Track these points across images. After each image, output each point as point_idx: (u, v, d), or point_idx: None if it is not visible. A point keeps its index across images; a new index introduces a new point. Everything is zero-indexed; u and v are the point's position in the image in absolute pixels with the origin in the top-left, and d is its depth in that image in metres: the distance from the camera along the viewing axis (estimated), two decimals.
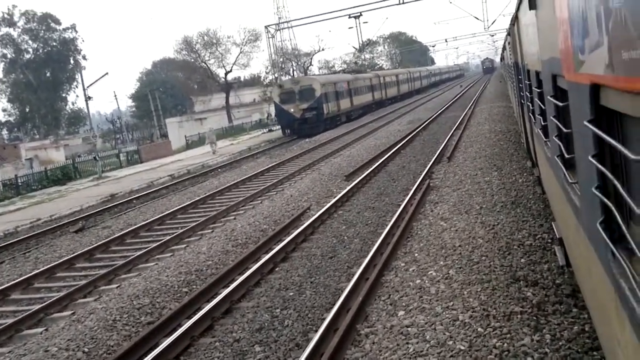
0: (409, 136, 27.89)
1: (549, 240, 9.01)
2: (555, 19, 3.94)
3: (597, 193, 2.80)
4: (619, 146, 2.32)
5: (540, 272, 7.93)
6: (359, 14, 44.93)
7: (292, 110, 39.95)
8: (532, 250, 8.83)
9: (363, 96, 50.91)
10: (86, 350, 7.86)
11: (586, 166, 3.15)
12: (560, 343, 6.01)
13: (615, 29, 2.20)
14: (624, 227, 2.42)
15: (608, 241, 2.70)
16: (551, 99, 4.73)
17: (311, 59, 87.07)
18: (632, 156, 2.15)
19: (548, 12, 4.51)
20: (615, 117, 2.69)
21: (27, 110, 73.01)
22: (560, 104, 4.25)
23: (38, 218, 19.61)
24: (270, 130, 49.26)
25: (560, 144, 4.54)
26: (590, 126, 2.79)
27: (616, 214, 2.51)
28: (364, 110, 51.16)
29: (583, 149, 3.26)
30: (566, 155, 4.30)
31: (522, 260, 8.46)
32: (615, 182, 2.42)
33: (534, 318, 6.61)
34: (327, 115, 41.35)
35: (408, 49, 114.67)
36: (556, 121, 4.58)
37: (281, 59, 60.94)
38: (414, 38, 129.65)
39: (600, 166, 2.73)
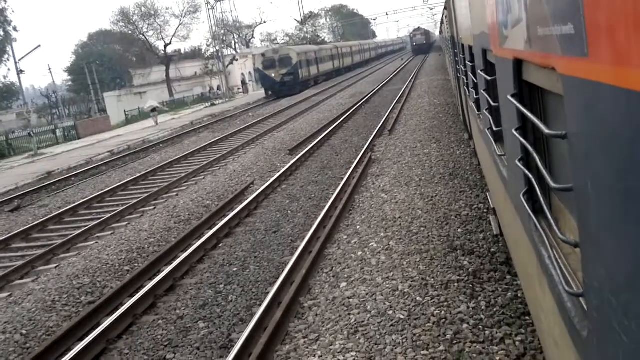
0: (352, 110, 28.04)
1: (485, 210, 9.33)
2: None
3: (520, 165, 2.93)
4: (536, 120, 2.42)
5: (476, 241, 8.22)
6: None
7: (273, 75, 47.87)
8: (468, 220, 9.13)
9: (327, 64, 60.25)
10: (24, 332, 7.70)
11: (511, 139, 3.27)
12: (495, 309, 6.29)
13: (532, 6, 2.28)
14: (542, 199, 2.55)
15: (530, 212, 2.83)
16: (481, 73, 4.87)
17: (253, 31, 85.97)
18: (546, 130, 2.25)
19: None
20: (537, 92, 2.80)
21: None
22: (489, 78, 4.39)
23: None
24: (212, 105, 48.54)
25: (490, 117, 4.70)
26: (513, 100, 2.90)
27: (536, 186, 2.63)
28: (327, 76, 60.15)
29: (509, 122, 3.38)
30: (495, 128, 4.45)
31: (459, 230, 8.74)
32: (535, 155, 2.53)
33: (470, 286, 6.87)
34: (301, 79, 49.38)
35: (350, 22, 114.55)
36: (486, 95, 4.73)
37: (222, 31, 59.83)
38: (355, 11, 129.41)
39: (522, 139, 2.84)
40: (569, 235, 2.36)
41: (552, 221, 2.34)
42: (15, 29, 72.08)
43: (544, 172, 2.32)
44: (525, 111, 2.64)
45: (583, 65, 1.65)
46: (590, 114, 1.65)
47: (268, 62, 48.80)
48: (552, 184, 2.18)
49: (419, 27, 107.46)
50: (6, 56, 69.05)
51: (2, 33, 69.86)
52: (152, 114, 37.53)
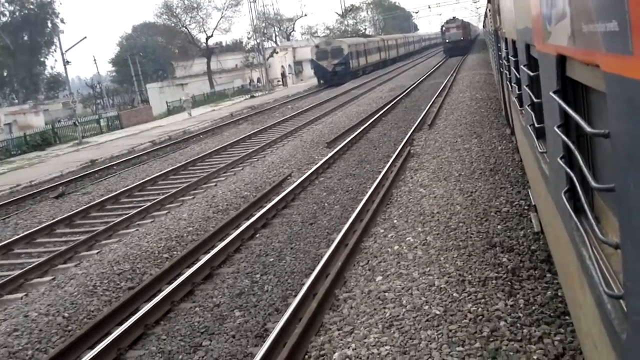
0: (391, 103, 27.87)
1: (526, 207, 9.16)
2: None
3: (562, 163, 2.86)
4: (578, 118, 2.36)
5: (516, 238, 8.08)
6: None
7: (325, 65, 52.09)
8: (508, 216, 8.98)
9: (374, 55, 63.86)
10: (66, 315, 7.90)
11: (553, 136, 3.20)
12: (534, 307, 6.16)
13: (576, 1, 2.22)
14: (583, 199, 2.48)
15: (571, 211, 2.76)
16: (524, 68, 4.77)
17: (294, 24, 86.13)
18: (588, 129, 2.19)
19: None
20: (581, 89, 2.72)
21: (5, 74, 71.52)
22: (532, 73, 4.29)
23: (17, 184, 19.42)
24: (252, 97, 48.87)
25: (532, 113, 4.60)
26: (555, 97, 2.83)
27: (577, 185, 2.57)
28: (374, 67, 63.11)
29: (551, 119, 3.31)
30: (537, 125, 4.36)
31: (499, 226, 8.61)
32: (577, 153, 2.47)
33: (509, 283, 6.76)
34: (352, 69, 53.32)
35: (391, 15, 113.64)
36: (529, 90, 4.63)
37: (263, 24, 60.09)
38: (397, 4, 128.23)
39: (564, 137, 2.77)
40: (611, 235, 2.30)
41: (592, 221, 2.29)
42: (62, 21, 74.14)
43: (586, 171, 2.27)
44: (568, 108, 2.58)
45: (628, 63, 1.61)
46: (634, 113, 1.60)
47: (321, 53, 52.68)
48: (594, 184, 2.12)
49: (454, 18, 74.17)
50: (53, 47, 70.96)
51: (49, 25, 71.71)
52: (185, 106, 39.49)
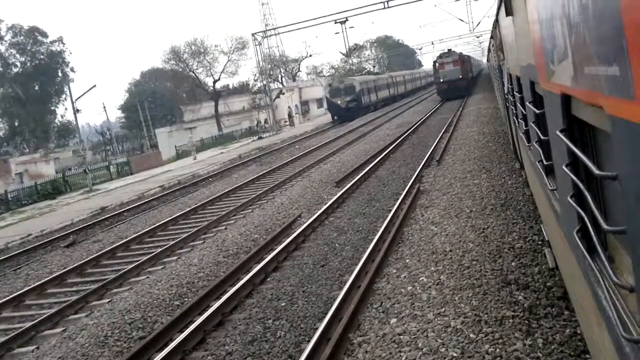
0: (399, 140, 27.95)
1: (539, 243, 9.04)
2: (529, 27, 3.97)
3: (572, 202, 2.81)
4: (585, 159, 2.32)
5: (531, 275, 7.95)
6: (345, 19, 45.00)
7: (339, 102, 55.66)
8: (522, 253, 8.85)
9: (384, 91, 67.01)
10: None
11: (562, 175, 3.16)
12: (553, 347, 6.02)
13: (577, 43, 2.21)
14: (595, 239, 2.43)
15: (584, 250, 2.70)
16: (530, 105, 4.75)
17: (299, 64, 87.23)
18: (596, 171, 2.15)
19: (523, 20, 4.53)
20: (588, 128, 2.70)
21: (17, 124, 72.56)
22: (537, 111, 4.27)
23: (29, 233, 19.48)
24: (260, 138, 49.22)
25: (540, 150, 4.56)
26: (561, 136, 2.80)
27: (589, 225, 2.52)
28: (385, 103, 66.49)
29: (559, 157, 3.27)
30: (545, 162, 4.31)
31: (513, 263, 8.48)
32: (587, 193, 2.43)
33: (526, 322, 6.62)
34: (364, 105, 57.12)
35: (395, 53, 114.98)
36: (535, 127, 4.60)
37: (269, 66, 60.94)
38: (400, 41, 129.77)
39: (573, 176, 2.73)
40: (626, 276, 2.24)
41: (606, 262, 2.23)
42: (72, 70, 75.38)
43: (597, 212, 2.23)
44: (575, 148, 2.55)
45: (630, 107, 1.59)
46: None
47: (334, 91, 56.29)
48: (605, 226, 2.08)
49: (449, 51, 58.31)
50: (64, 96, 72.09)
51: (60, 74, 73.05)
52: (190, 150, 41.03)
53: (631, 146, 1.65)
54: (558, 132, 2.89)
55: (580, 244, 2.77)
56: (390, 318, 7.42)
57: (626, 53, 1.55)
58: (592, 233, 2.47)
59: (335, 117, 56.47)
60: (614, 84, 1.74)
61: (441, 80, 55.77)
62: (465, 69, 55.31)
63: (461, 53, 57.79)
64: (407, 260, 9.54)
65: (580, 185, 2.58)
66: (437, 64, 56.26)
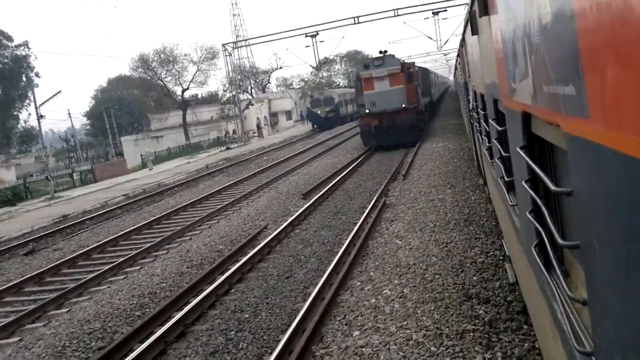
0: (366, 153, 28.12)
1: (501, 258, 9.19)
2: (493, 46, 4.07)
3: (530, 218, 2.88)
4: (543, 175, 2.40)
5: (492, 289, 8.07)
6: (315, 32, 45.13)
7: (319, 112, 58.90)
8: (484, 267, 8.99)
9: None
10: None
11: (522, 191, 3.24)
12: None
13: (537, 63, 2.28)
14: (551, 254, 2.50)
15: (541, 265, 2.77)
16: (492, 122, 4.86)
17: (269, 76, 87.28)
18: (552, 187, 2.22)
19: (487, 39, 4.65)
20: (547, 146, 2.78)
21: None
22: (500, 128, 4.37)
23: None
24: (228, 148, 48.99)
25: (502, 166, 4.66)
26: (521, 153, 2.88)
27: (546, 240, 2.59)
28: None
29: (519, 173, 3.36)
30: (506, 178, 4.42)
31: (475, 277, 8.60)
32: (544, 209, 2.50)
33: (486, 336, 6.71)
34: (342, 115, 61.34)
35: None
36: (497, 144, 4.71)
37: (239, 77, 60.85)
38: (369, 56, 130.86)
39: (531, 192, 2.81)
40: (581, 291, 2.31)
41: (561, 276, 2.30)
42: (37, 75, 73.90)
43: (552, 227, 2.30)
44: (534, 165, 2.62)
45: (585, 126, 1.66)
46: (593, 174, 1.64)
47: (314, 102, 60.03)
48: (560, 241, 2.15)
49: (383, 57, 29.78)
50: (27, 101, 70.64)
51: (24, 79, 71.63)
52: (147, 161, 41.32)
53: (585, 163, 1.72)
54: (518, 149, 2.97)
55: (538, 259, 2.84)
56: (353, 330, 7.44)
57: (581, 74, 1.61)
58: (549, 248, 2.54)
59: (315, 126, 60.85)
60: (570, 103, 1.81)
61: (367, 110, 29.58)
62: (413, 90, 29.99)
63: (404, 62, 30.74)
64: (372, 273, 9.60)
65: (538, 200, 2.66)
66: (361, 80, 30.02)
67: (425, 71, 39.25)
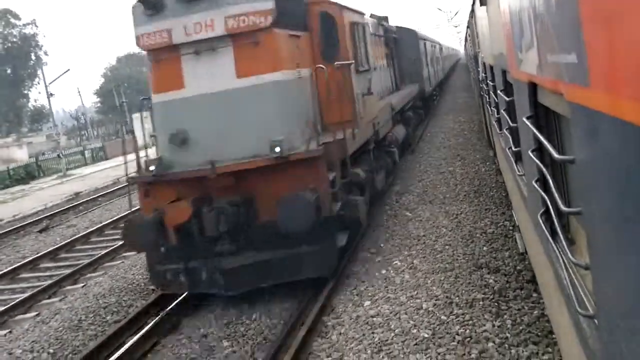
0: None
1: (510, 228, 9.22)
2: (501, 17, 4.05)
3: (536, 187, 2.91)
4: (547, 144, 2.42)
5: (502, 259, 8.12)
6: None
7: None
8: (494, 237, 9.03)
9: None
10: (51, 351, 7.79)
11: (528, 160, 3.26)
12: (521, 327, 6.18)
13: (541, 32, 2.29)
14: (556, 221, 2.53)
15: (547, 233, 2.81)
16: (501, 93, 4.86)
17: None
18: (556, 155, 2.25)
19: (495, 10, 4.62)
20: (553, 115, 2.79)
21: None
22: (508, 98, 4.37)
23: (1, 218, 19.23)
24: None
25: (510, 136, 4.68)
26: (527, 122, 2.90)
27: (551, 208, 2.62)
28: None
29: (526, 143, 3.37)
30: (514, 148, 4.43)
31: (485, 248, 8.65)
32: (548, 177, 2.52)
33: (496, 304, 6.78)
34: None
35: None
36: (506, 115, 4.71)
37: None
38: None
39: (537, 161, 2.83)
40: (585, 257, 2.36)
41: (564, 243, 2.34)
42: (46, 53, 74.14)
43: (556, 195, 2.33)
44: (539, 134, 2.64)
45: (586, 93, 1.68)
46: (594, 141, 1.67)
47: None
48: (563, 208, 2.18)
49: None
50: (37, 80, 70.80)
51: (33, 57, 71.71)
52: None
53: (586, 131, 1.74)
54: (525, 119, 2.98)
55: (544, 227, 2.87)
56: (364, 301, 7.53)
57: (582, 42, 1.63)
58: (554, 215, 2.57)
59: None
60: (573, 72, 1.82)
61: (154, 168, 8.35)
62: (345, 86, 9.30)
63: None
64: (382, 245, 9.66)
65: (544, 169, 2.68)
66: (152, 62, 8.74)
67: (409, 35, 21.05)
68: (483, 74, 9.51)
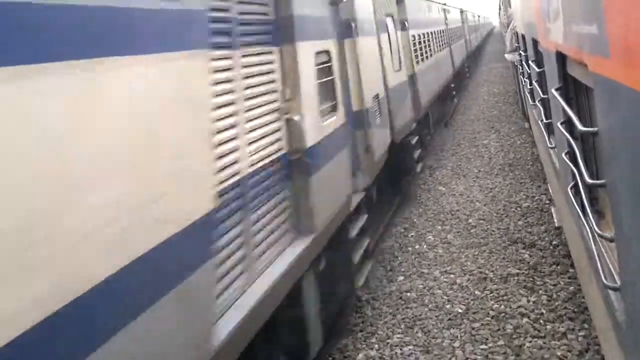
0: None
1: (547, 202, 9.10)
2: None
3: (565, 159, 2.87)
4: (572, 115, 2.38)
5: (537, 233, 8.04)
6: None
7: None
8: (529, 212, 8.93)
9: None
10: None
11: (558, 132, 3.21)
12: (557, 303, 6.13)
13: (565, 2, 2.24)
14: (583, 193, 2.50)
15: (576, 206, 2.78)
16: (532, 63, 4.77)
17: None
18: (580, 126, 2.21)
19: None
20: (582, 87, 2.73)
21: None
22: (538, 69, 4.29)
23: None
24: None
25: (542, 108, 4.59)
26: (556, 94, 2.84)
27: (579, 181, 2.58)
28: None
29: (556, 115, 3.32)
30: (545, 120, 4.35)
31: (520, 222, 8.57)
32: (576, 150, 2.49)
33: (531, 279, 6.74)
34: None
35: None
36: (537, 86, 4.62)
37: None
38: None
39: (566, 133, 2.78)
40: (612, 229, 2.33)
41: (590, 216, 2.32)
42: None
43: (582, 166, 2.30)
44: (565, 105, 2.60)
45: (606, 64, 1.65)
46: (615, 112, 1.64)
47: None
48: (588, 180, 2.15)
49: None
50: None
51: None
52: None
53: (608, 102, 1.71)
54: (553, 91, 2.93)
55: (574, 200, 2.84)
56: (397, 276, 7.55)
57: (602, 12, 1.60)
58: (581, 188, 2.54)
59: None
60: (594, 43, 1.79)
61: None
62: None
63: None
64: (415, 220, 9.64)
65: (572, 141, 2.64)
66: None
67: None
68: (515, 44, 9.31)
